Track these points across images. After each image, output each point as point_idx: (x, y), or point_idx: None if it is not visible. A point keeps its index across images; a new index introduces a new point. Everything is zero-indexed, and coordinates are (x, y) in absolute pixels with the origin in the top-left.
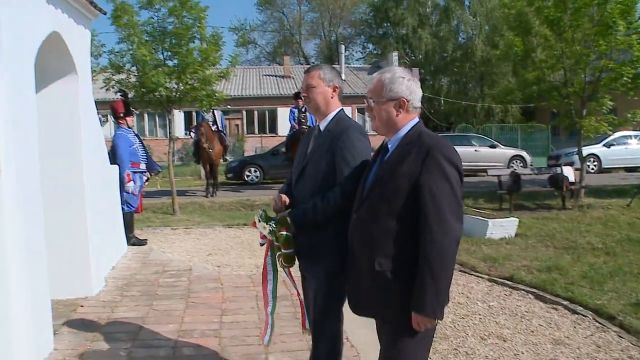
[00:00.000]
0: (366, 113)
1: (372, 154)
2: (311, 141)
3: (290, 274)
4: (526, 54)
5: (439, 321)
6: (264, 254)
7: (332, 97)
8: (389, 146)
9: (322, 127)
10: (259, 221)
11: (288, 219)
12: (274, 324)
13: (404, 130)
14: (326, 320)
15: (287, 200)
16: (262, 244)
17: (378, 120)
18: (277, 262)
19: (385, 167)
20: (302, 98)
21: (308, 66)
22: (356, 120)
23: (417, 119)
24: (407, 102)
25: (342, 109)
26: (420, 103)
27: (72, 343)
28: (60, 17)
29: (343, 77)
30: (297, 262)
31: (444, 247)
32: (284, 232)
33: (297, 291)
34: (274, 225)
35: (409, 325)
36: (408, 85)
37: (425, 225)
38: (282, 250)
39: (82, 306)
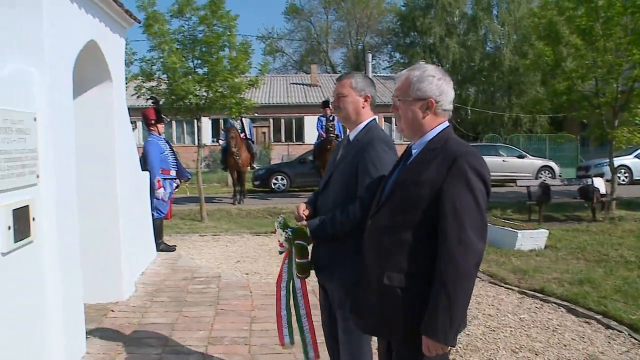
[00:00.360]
0: (392, 113)
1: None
2: (339, 151)
3: (303, 286)
4: (556, 64)
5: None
6: (282, 261)
7: (363, 107)
8: (413, 151)
9: (351, 137)
10: (278, 228)
11: (307, 229)
12: (291, 325)
13: (430, 135)
14: (348, 337)
15: (308, 211)
16: (280, 252)
17: (404, 121)
18: (293, 272)
19: (406, 173)
20: (332, 107)
21: (335, 75)
22: (383, 129)
23: (446, 123)
24: (436, 103)
25: (374, 118)
26: (451, 105)
27: (104, 347)
28: (98, 25)
29: None
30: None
31: (463, 267)
32: (300, 242)
33: (307, 307)
34: (289, 234)
35: (416, 350)
36: (438, 85)
37: (443, 241)
38: (296, 260)
39: (112, 311)
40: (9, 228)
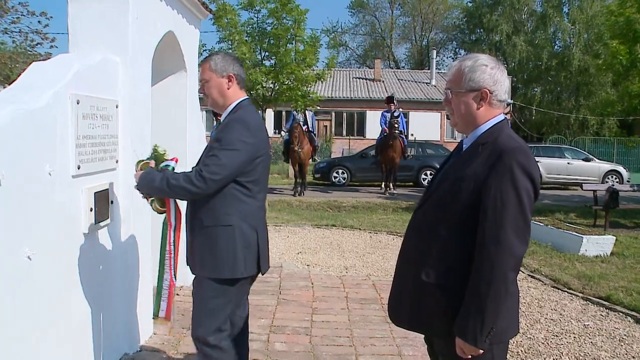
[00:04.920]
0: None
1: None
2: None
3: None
4: (632, 64)
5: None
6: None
7: (228, 88)
8: (464, 145)
9: (222, 119)
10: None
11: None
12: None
13: (483, 127)
14: (197, 329)
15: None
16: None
17: (456, 114)
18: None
19: (451, 168)
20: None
21: (399, 70)
22: (254, 110)
23: (502, 116)
24: (490, 93)
25: (246, 98)
26: (507, 96)
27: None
28: (176, 17)
29: (433, 83)
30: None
31: (498, 269)
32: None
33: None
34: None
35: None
36: (492, 74)
37: (481, 240)
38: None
39: (177, 295)
40: (91, 210)
